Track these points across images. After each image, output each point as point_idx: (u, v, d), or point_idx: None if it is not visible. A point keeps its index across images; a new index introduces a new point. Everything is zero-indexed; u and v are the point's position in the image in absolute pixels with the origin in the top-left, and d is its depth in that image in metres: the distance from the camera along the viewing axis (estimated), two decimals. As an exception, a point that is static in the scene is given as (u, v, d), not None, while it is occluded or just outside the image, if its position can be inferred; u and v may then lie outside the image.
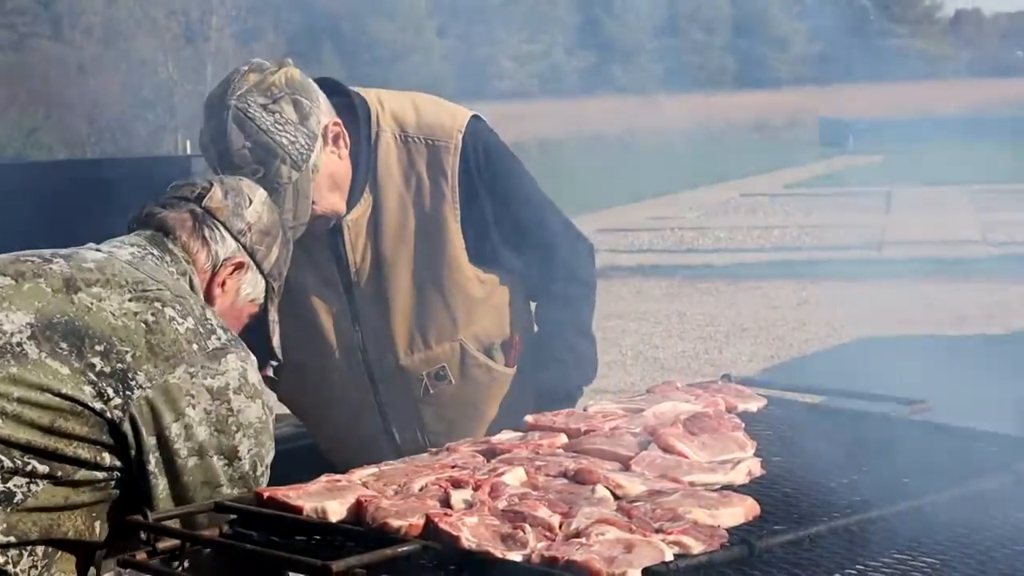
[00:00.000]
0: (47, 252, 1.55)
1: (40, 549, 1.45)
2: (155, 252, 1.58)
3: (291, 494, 1.35)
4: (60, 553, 1.47)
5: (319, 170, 1.77)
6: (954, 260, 9.24)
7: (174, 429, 1.44)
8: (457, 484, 1.34)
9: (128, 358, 1.43)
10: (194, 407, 1.45)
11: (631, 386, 5.49)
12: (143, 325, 1.46)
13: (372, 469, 1.45)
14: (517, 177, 1.93)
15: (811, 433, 1.57)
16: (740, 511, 1.28)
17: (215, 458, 1.46)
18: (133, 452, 1.45)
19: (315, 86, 1.81)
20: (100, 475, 1.45)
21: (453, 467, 1.43)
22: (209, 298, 1.61)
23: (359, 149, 1.85)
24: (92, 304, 1.46)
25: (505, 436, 1.57)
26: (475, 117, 1.92)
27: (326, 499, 1.32)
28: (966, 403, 1.75)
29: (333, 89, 1.88)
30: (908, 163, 17.82)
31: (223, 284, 1.62)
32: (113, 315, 1.46)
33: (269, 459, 1.52)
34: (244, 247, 1.63)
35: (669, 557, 1.15)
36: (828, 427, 1.61)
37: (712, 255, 10.40)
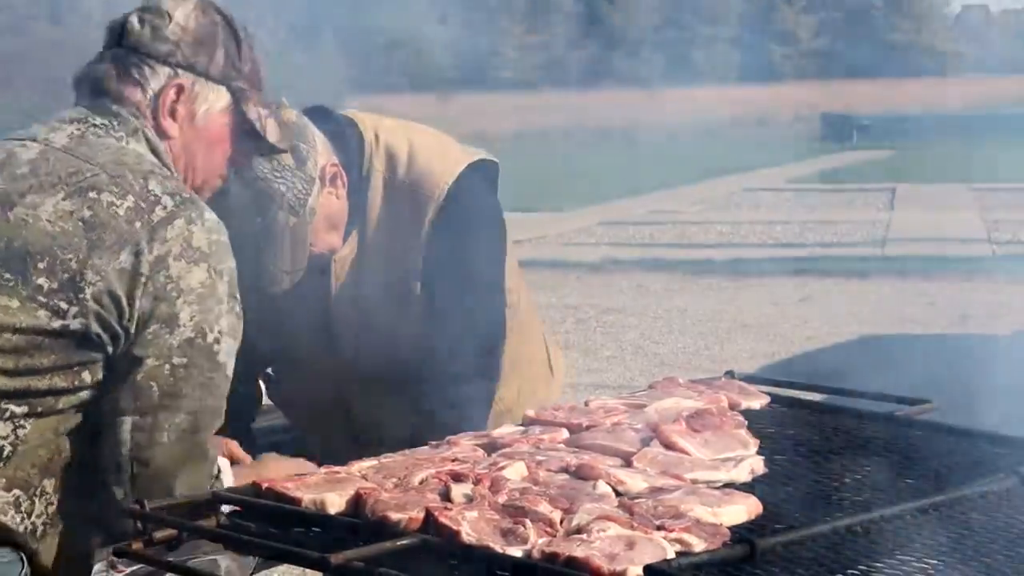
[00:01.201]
0: None
1: (49, 484, 1.42)
2: (97, 121, 1.51)
3: (290, 485, 1.34)
4: (70, 483, 1.43)
5: (316, 213, 1.76)
6: (958, 258, 9.22)
7: (124, 311, 1.40)
8: (457, 478, 1.33)
9: (73, 264, 1.40)
10: (138, 282, 1.40)
11: (631, 381, 5.49)
12: (80, 224, 1.41)
13: (372, 461, 1.44)
14: (476, 252, 1.87)
15: (813, 431, 1.56)
16: (743, 509, 1.27)
17: (155, 326, 1.41)
18: (111, 348, 1.41)
19: (311, 127, 1.78)
20: (85, 395, 1.42)
21: (453, 460, 1.42)
22: (162, 133, 1.54)
23: (350, 184, 1.84)
24: (27, 216, 1.42)
25: (506, 430, 1.56)
26: (473, 167, 1.87)
27: (325, 491, 1.32)
28: (969, 403, 1.74)
29: (325, 118, 1.85)
30: (912, 160, 17.79)
31: (172, 114, 1.54)
32: (50, 222, 1.41)
33: (225, 325, 1.45)
34: (180, 66, 1.54)
35: (671, 555, 1.15)
36: (831, 426, 1.60)
37: (714, 250, 10.39)
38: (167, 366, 1.42)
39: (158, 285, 1.41)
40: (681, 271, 9.25)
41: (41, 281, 1.39)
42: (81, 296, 1.39)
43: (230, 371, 1.48)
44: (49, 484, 1.42)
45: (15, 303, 1.39)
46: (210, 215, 1.47)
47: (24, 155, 1.48)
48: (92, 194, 1.43)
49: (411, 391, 1.83)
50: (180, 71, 1.55)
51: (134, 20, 1.56)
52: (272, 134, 1.64)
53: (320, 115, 1.85)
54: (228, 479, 1.53)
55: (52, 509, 1.42)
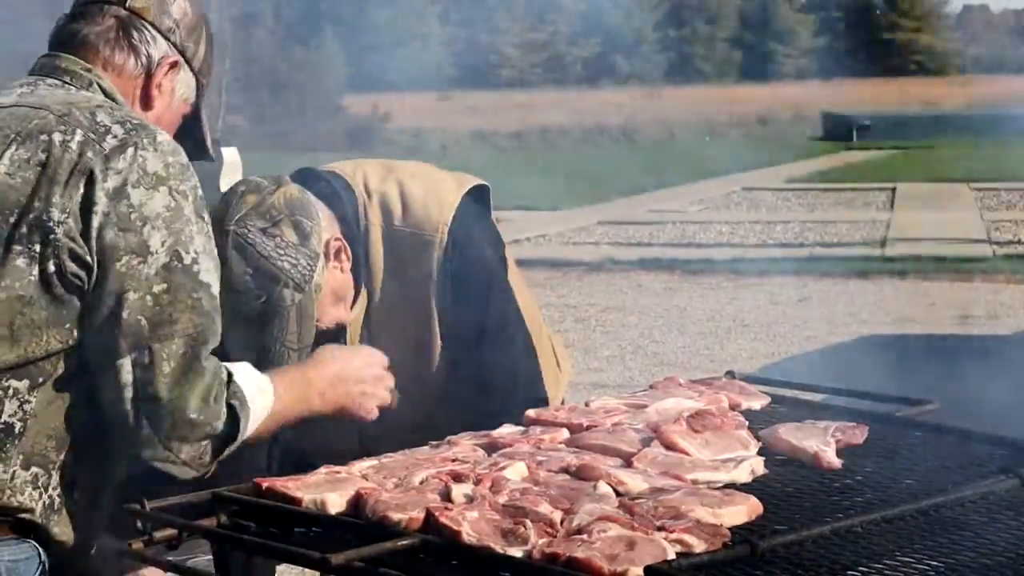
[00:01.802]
0: None
1: (66, 455, 1.41)
2: (49, 80, 1.51)
3: (290, 485, 1.34)
4: (82, 451, 1.42)
5: (322, 288, 1.74)
6: (958, 258, 9.21)
7: (90, 244, 1.38)
8: (458, 478, 1.33)
9: (36, 204, 1.38)
10: (95, 214, 1.39)
11: (630, 380, 5.49)
12: (38, 168, 1.40)
13: (372, 461, 1.43)
14: (485, 281, 1.85)
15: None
16: (743, 510, 1.27)
17: (126, 258, 1.39)
18: (87, 288, 1.38)
19: (314, 201, 1.76)
20: (81, 354, 1.40)
21: (454, 460, 1.42)
22: (147, 101, 1.56)
23: (349, 239, 1.81)
24: None
25: (506, 430, 1.55)
26: (467, 198, 1.85)
27: (325, 491, 1.32)
28: (969, 404, 1.74)
29: (314, 177, 1.83)
30: (912, 159, 17.79)
31: (159, 86, 1.57)
32: (9, 175, 1.40)
33: (200, 244, 1.44)
34: (175, 45, 1.58)
35: (671, 555, 1.15)
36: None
37: (713, 249, 10.39)
38: (148, 296, 1.40)
39: (121, 215, 1.39)
40: (681, 271, 9.24)
41: (12, 232, 1.39)
42: (51, 236, 1.38)
43: (215, 290, 1.46)
44: (66, 456, 1.41)
45: None
46: (163, 137, 1.46)
47: None
48: (43, 137, 1.43)
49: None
50: (174, 50, 1.58)
51: None
52: (208, 140, 1.67)
53: (308, 177, 1.84)
54: (250, 385, 1.46)
55: (66, 482, 1.41)
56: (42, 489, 1.39)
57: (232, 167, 4.94)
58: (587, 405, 1.63)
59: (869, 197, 14.30)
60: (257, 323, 1.68)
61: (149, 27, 1.56)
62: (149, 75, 1.56)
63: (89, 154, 1.41)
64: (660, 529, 1.19)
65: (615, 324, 7.32)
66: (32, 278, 1.38)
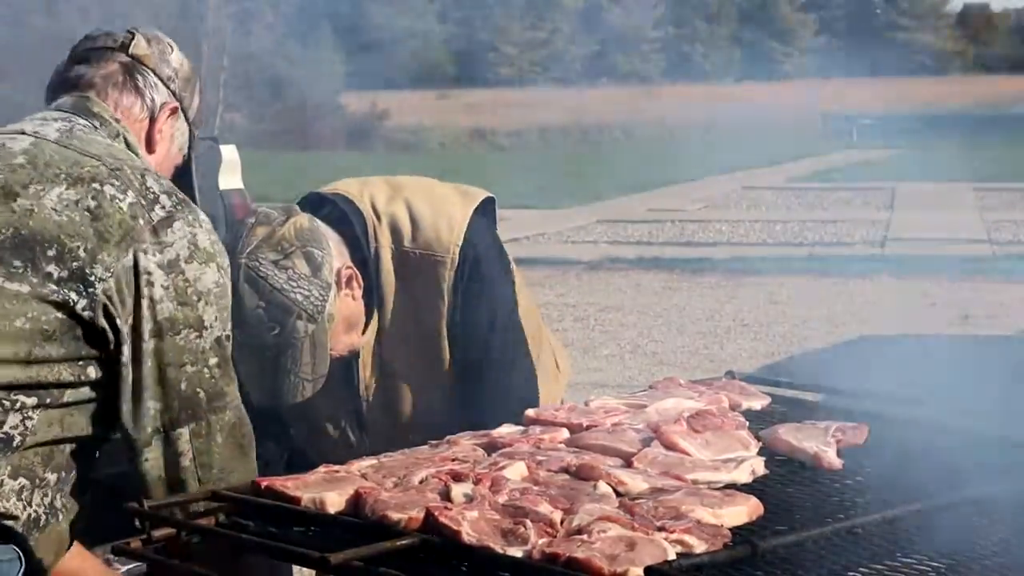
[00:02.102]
0: None
1: (52, 477, 1.43)
2: (82, 121, 1.54)
3: (289, 484, 1.33)
4: (72, 474, 1.45)
5: (335, 318, 1.73)
6: (958, 258, 9.21)
7: (138, 313, 1.42)
8: (457, 477, 1.32)
9: (81, 253, 1.41)
10: (152, 285, 1.43)
11: (629, 380, 5.48)
12: (87, 213, 1.43)
13: (371, 461, 1.43)
14: (496, 301, 1.85)
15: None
16: (744, 510, 1.27)
17: (185, 332, 1.44)
18: (112, 346, 1.42)
19: (324, 230, 1.75)
20: (86, 391, 1.43)
21: (453, 460, 1.41)
22: (151, 146, 1.60)
23: (360, 265, 1.80)
24: (32, 206, 1.43)
25: (506, 430, 1.55)
26: (476, 218, 1.84)
27: (324, 490, 1.31)
28: (970, 404, 1.74)
29: (321, 201, 1.83)
30: (913, 159, 17.78)
31: (161, 131, 1.61)
32: (55, 211, 1.43)
33: (230, 322, 1.50)
34: (173, 93, 1.63)
35: (671, 556, 1.14)
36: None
37: (713, 248, 10.39)
38: (206, 369, 1.46)
39: (179, 289, 1.44)
40: (680, 270, 9.24)
41: (51, 269, 1.41)
42: (91, 290, 1.41)
43: None
44: (52, 477, 1.43)
45: (26, 289, 1.40)
46: (203, 214, 1.51)
47: (16, 146, 1.49)
48: (95, 185, 1.45)
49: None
50: (173, 98, 1.64)
51: (142, 38, 1.62)
52: (197, 193, 1.71)
53: (315, 201, 1.83)
54: None
55: (48, 501, 1.44)
56: (25, 502, 1.41)
57: (230, 164, 4.93)
58: (587, 405, 1.63)
59: (869, 196, 14.30)
60: (271, 355, 1.68)
61: (151, 73, 1.61)
62: (152, 119, 1.61)
63: (140, 221, 1.44)
64: (660, 529, 1.19)
65: (614, 323, 7.32)
66: (60, 317, 1.41)
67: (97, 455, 1.50)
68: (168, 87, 1.62)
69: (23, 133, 1.51)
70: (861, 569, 1.19)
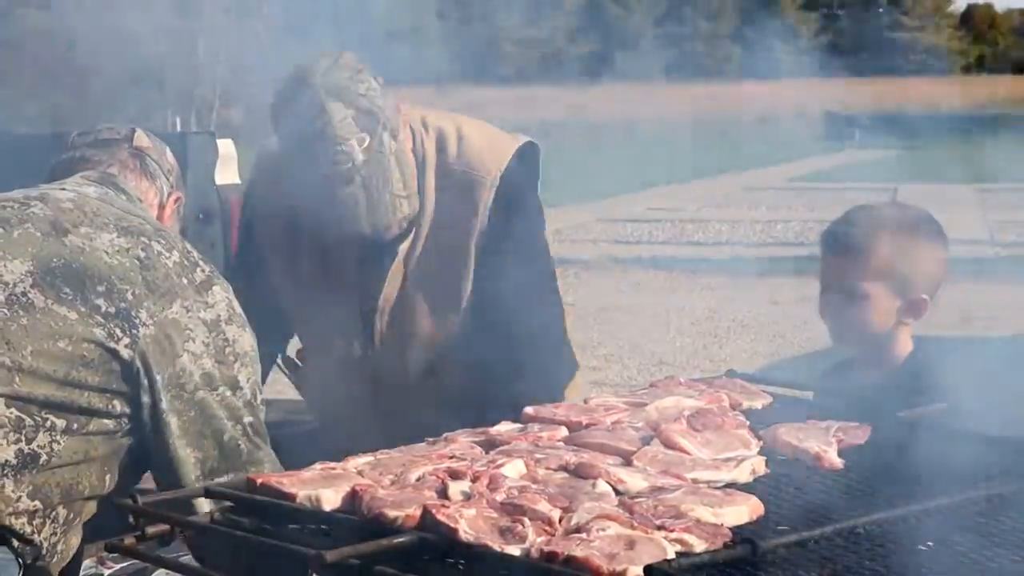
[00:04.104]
0: (18, 195, 1.55)
1: (62, 514, 1.46)
2: (111, 192, 1.59)
3: (284, 481, 1.32)
4: (77, 520, 1.48)
5: (405, 150, 1.77)
6: (960, 259, 9.19)
7: (179, 364, 1.46)
8: (455, 475, 1.31)
9: (129, 296, 1.45)
10: (194, 340, 1.48)
11: (628, 380, 5.48)
12: (136, 261, 1.48)
13: (368, 457, 1.42)
14: (530, 234, 1.87)
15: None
16: (744, 510, 1.26)
17: (222, 389, 1.49)
18: (145, 395, 1.46)
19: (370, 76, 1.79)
20: (111, 424, 1.46)
21: (451, 457, 1.40)
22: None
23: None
24: (84, 244, 1.47)
25: (504, 427, 1.54)
26: (521, 151, 1.86)
27: (320, 487, 1.30)
28: (973, 405, 1.73)
29: None
30: (914, 159, 17.76)
31: (169, 218, 1.69)
32: (107, 253, 1.47)
33: (261, 389, 1.56)
34: (173, 186, 1.71)
35: (671, 555, 1.13)
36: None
37: (713, 248, 10.38)
38: (240, 427, 1.51)
39: (218, 348, 1.49)
40: (680, 269, 9.23)
41: (99, 302, 1.45)
42: (134, 332, 1.45)
43: None
44: (62, 513, 1.46)
45: (73, 315, 1.43)
46: (230, 286, 1.57)
47: (61, 195, 1.55)
48: (143, 239, 1.51)
49: (474, 381, 1.80)
50: (174, 190, 1.72)
51: (141, 132, 1.70)
52: None
53: None
54: None
55: (55, 539, 1.46)
56: (35, 529, 1.43)
57: (228, 159, 4.92)
58: (586, 403, 1.62)
59: (870, 196, 14.28)
60: (366, 172, 1.69)
61: (155, 164, 1.69)
62: (162, 206, 1.69)
63: (184, 280, 1.50)
64: (660, 528, 1.18)
65: (613, 323, 7.31)
66: (101, 349, 1.44)
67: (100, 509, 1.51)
68: (167, 179, 1.69)
69: (63, 189, 1.57)
70: (863, 569, 1.18)
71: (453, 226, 1.83)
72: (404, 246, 1.84)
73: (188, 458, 1.48)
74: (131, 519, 1.30)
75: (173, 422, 1.46)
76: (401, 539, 1.18)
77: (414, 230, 1.83)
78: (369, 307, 1.87)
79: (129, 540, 1.29)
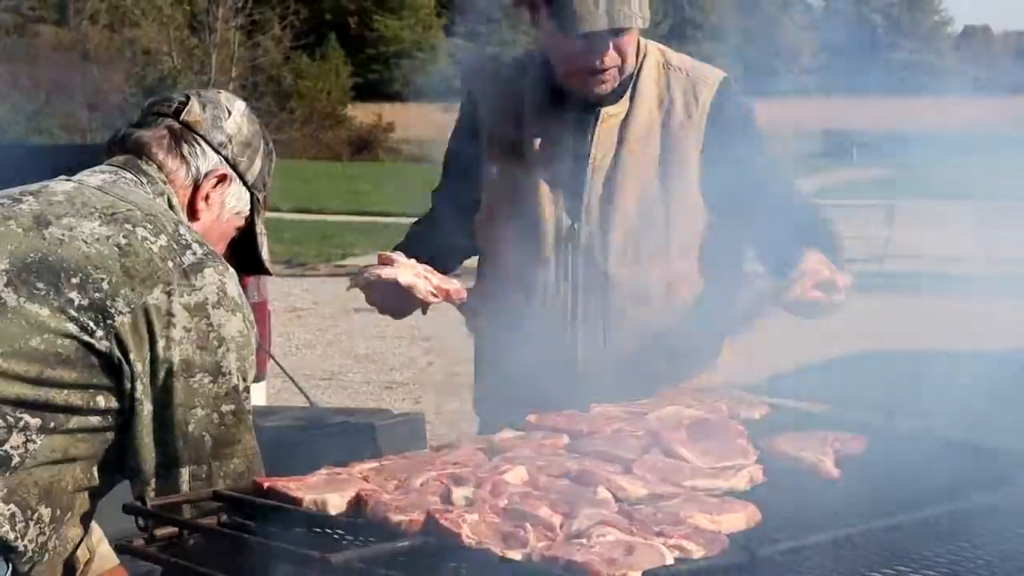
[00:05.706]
0: (16, 191, 1.53)
1: (46, 513, 1.43)
2: (128, 175, 1.56)
3: (291, 485, 1.34)
4: (68, 515, 1.45)
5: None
6: (956, 276, 9.22)
7: (156, 351, 1.42)
8: (458, 481, 1.33)
9: (104, 285, 1.42)
10: (174, 326, 1.43)
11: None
12: (116, 249, 1.44)
13: (372, 463, 1.44)
14: (760, 139, 1.97)
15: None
16: (742, 517, 1.28)
17: (199, 376, 1.44)
18: (127, 384, 1.43)
19: None
20: (95, 420, 1.43)
21: (454, 464, 1.42)
22: (193, 213, 1.60)
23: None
24: (64, 236, 1.45)
25: (507, 435, 1.56)
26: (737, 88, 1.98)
27: (326, 492, 1.32)
28: (968, 417, 1.75)
29: None
30: (912, 177, 17.81)
31: (207, 198, 1.61)
32: (85, 243, 1.44)
33: (252, 375, 1.50)
34: (226, 159, 1.62)
35: (669, 561, 1.15)
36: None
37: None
38: (216, 415, 1.46)
39: (200, 333, 1.44)
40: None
41: (72, 295, 1.42)
42: (109, 322, 1.42)
43: None
44: (46, 513, 1.43)
45: (45, 311, 1.41)
46: (232, 269, 1.52)
47: (59, 187, 1.53)
48: (128, 225, 1.47)
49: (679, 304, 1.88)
50: (225, 164, 1.62)
51: (196, 103, 1.62)
52: (265, 253, 1.70)
53: None
54: None
55: (43, 539, 1.44)
56: (18, 535, 1.41)
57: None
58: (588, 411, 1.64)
59: (868, 214, 14.30)
60: None
61: (200, 140, 1.61)
62: (196, 187, 1.60)
63: (170, 264, 1.45)
64: (659, 535, 1.20)
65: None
66: (76, 344, 1.41)
67: (96, 506, 1.49)
68: (219, 153, 1.61)
69: (68, 180, 1.55)
70: (858, 577, 1.20)
71: (674, 117, 1.91)
72: (618, 110, 1.92)
73: (148, 446, 1.44)
74: (139, 521, 1.32)
75: (144, 410, 1.42)
76: (405, 543, 1.20)
77: (630, 102, 1.92)
78: (579, 176, 1.91)
79: (138, 542, 1.30)
